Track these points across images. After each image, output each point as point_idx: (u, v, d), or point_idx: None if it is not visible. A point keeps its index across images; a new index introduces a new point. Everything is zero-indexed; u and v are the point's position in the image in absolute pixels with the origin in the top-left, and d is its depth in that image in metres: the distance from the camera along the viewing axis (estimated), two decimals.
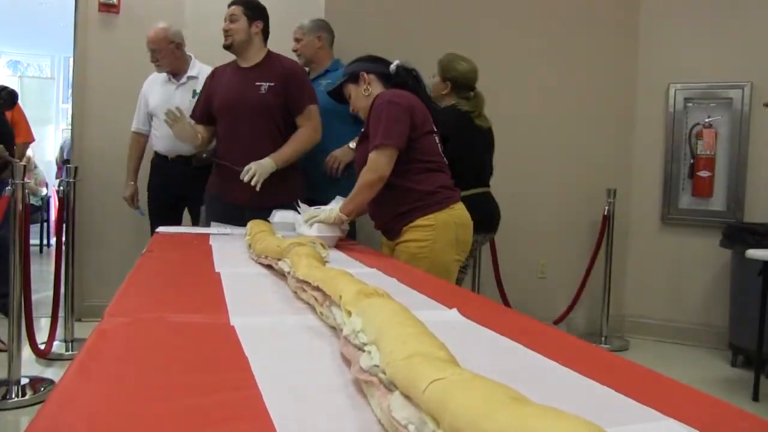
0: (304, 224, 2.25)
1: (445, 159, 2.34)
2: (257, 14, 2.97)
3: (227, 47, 2.97)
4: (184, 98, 3.44)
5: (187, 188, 3.45)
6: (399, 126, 2.16)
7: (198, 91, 3.35)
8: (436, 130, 2.32)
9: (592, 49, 4.22)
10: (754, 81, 4.04)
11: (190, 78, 3.53)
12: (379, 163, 2.15)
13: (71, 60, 4.51)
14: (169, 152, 3.51)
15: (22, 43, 9.35)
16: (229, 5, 2.98)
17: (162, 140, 3.51)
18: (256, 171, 2.72)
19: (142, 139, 3.65)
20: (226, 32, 2.93)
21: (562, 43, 4.20)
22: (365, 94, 2.34)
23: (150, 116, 3.58)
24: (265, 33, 3.01)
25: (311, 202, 2.51)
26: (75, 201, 3.55)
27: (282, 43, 3.86)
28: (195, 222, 3.51)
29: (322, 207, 2.38)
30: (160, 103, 3.45)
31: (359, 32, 3.73)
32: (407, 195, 2.21)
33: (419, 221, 2.21)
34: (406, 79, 2.37)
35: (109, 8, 3.97)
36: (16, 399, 2.70)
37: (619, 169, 4.35)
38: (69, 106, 4.65)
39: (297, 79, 2.93)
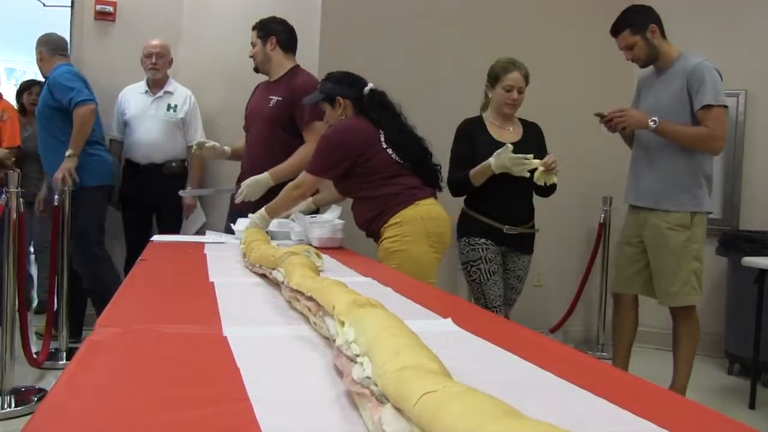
0: (302, 227, 2.47)
1: (405, 163, 2.49)
2: (269, 32, 3.10)
3: (256, 70, 3.17)
4: (159, 110, 3.70)
5: (158, 195, 3.65)
6: (330, 162, 2.45)
7: (172, 105, 3.69)
8: (385, 146, 2.48)
9: (587, 56, 4.23)
10: (748, 89, 4.05)
11: (166, 93, 3.74)
12: (302, 182, 2.50)
13: None
14: (142, 159, 3.70)
15: (19, 50, 9.35)
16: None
17: (134, 147, 3.71)
18: (245, 191, 2.81)
19: (117, 146, 3.82)
20: (251, 57, 3.14)
21: (557, 51, 4.21)
22: (341, 118, 2.55)
23: (125, 124, 3.77)
24: (285, 45, 3.11)
25: None
26: (70, 208, 3.55)
27: None
28: (163, 229, 3.66)
29: (317, 216, 2.45)
30: (136, 113, 3.70)
31: (356, 33, 3.74)
32: (376, 201, 2.46)
33: (391, 220, 2.43)
34: (371, 104, 2.53)
35: (104, 16, 3.97)
36: (8, 409, 2.68)
37: (615, 177, 4.33)
38: None
39: (302, 95, 2.94)
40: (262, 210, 2.51)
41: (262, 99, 3.09)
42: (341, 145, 2.46)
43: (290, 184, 2.53)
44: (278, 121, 3.00)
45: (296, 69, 3.11)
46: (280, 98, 3.00)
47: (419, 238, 2.40)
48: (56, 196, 3.43)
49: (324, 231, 2.45)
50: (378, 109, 2.53)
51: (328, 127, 2.57)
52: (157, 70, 3.67)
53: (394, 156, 2.49)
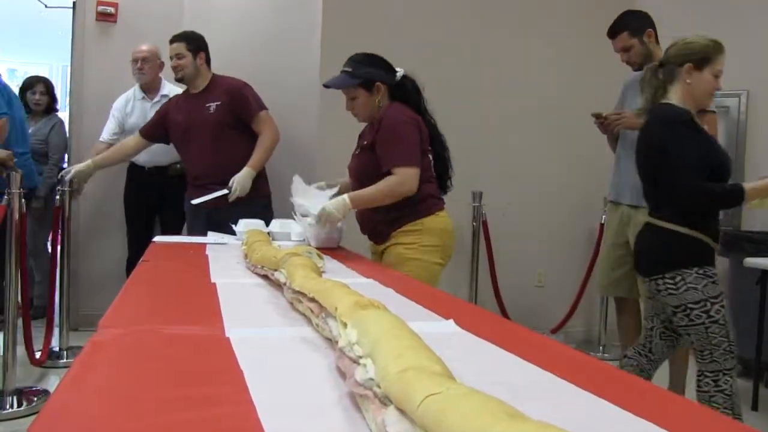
0: (306, 217, 2.32)
1: (433, 173, 2.43)
2: (199, 46, 3.33)
3: (179, 80, 3.35)
4: None
5: (162, 197, 3.75)
6: (418, 147, 2.30)
7: None
8: (429, 149, 2.41)
9: (588, 56, 4.22)
10: (750, 89, 4.05)
11: (162, 96, 3.81)
12: (410, 179, 2.25)
13: (69, 68, 4.50)
14: (146, 163, 3.78)
15: (20, 51, 9.35)
16: (171, 41, 3.31)
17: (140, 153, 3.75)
18: (238, 188, 3.08)
19: (104, 147, 3.75)
20: (175, 68, 3.30)
21: (558, 51, 4.21)
22: (379, 105, 2.35)
23: (123, 131, 3.80)
24: (208, 60, 3.38)
25: None
26: (70, 209, 3.57)
27: (281, 47, 3.87)
28: (164, 229, 3.75)
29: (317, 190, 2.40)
30: (138, 120, 3.75)
31: (357, 33, 3.75)
32: (398, 203, 2.28)
33: (407, 226, 2.32)
34: (410, 91, 2.41)
35: (106, 17, 3.98)
36: (10, 410, 2.68)
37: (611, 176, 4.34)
38: (66, 114, 4.63)
39: (239, 94, 3.28)
40: (346, 199, 2.23)
41: (195, 109, 3.28)
42: (417, 126, 2.31)
43: (392, 180, 2.24)
44: (224, 122, 3.24)
45: (216, 77, 3.37)
46: (218, 102, 3.24)
47: (435, 249, 2.32)
48: (57, 197, 3.44)
49: (321, 230, 2.33)
50: (415, 96, 2.42)
51: (384, 116, 2.31)
52: (144, 74, 3.74)
53: (432, 162, 2.42)
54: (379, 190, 2.25)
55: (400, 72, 2.40)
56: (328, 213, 2.21)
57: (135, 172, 3.82)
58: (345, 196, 2.26)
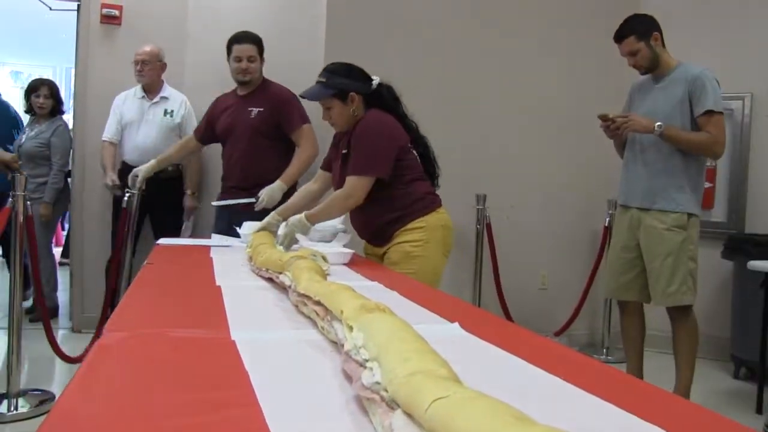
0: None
1: (422, 169, 2.45)
2: (263, 49, 3.30)
3: (244, 83, 3.28)
4: (156, 115, 3.80)
5: (153, 198, 3.64)
6: (384, 155, 2.31)
7: (168, 110, 3.82)
8: (411, 146, 2.43)
9: (592, 59, 4.22)
10: (754, 92, 4.05)
11: (162, 98, 3.84)
12: (356, 189, 2.30)
13: (73, 71, 4.50)
14: (139, 163, 3.67)
15: (25, 54, 9.39)
16: (240, 42, 3.23)
17: (131, 151, 3.79)
18: (265, 200, 3.02)
19: (112, 147, 3.87)
20: (246, 71, 3.23)
21: (562, 53, 4.21)
22: (354, 115, 2.38)
23: (121, 128, 3.85)
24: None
25: None
26: (136, 211, 3.53)
27: (283, 46, 3.87)
28: (156, 232, 3.71)
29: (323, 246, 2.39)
30: (134, 118, 3.80)
31: (361, 33, 3.76)
32: (398, 203, 2.35)
33: (411, 224, 2.35)
34: (386, 98, 2.43)
35: (110, 20, 3.99)
36: (15, 412, 2.69)
37: (619, 180, 4.33)
38: (70, 116, 4.64)
39: (284, 104, 3.25)
40: (302, 216, 2.29)
41: (239, 111, 3.26)
42: (390, 137, 2.33)
43: (339, 194, 2.33)
44: (260, 130, 3.23)
45: (267, 82, 3.36)
46: (261, 109, 3.23)
47: (438, 246, 2.37)
48: (125, 199, 3.47)
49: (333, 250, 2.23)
50: (393, 103, 2.43)
51: (358, 123, 2.34)
52: (143, 76, 3.77)
53: (418, 159, 2.45)
54: (329, 206, 2.35)
55: (375, 80, 2.42)
56: (287, 233, 2.25)
57: (127, 172, 3.65)
58: (302, 214, 2.30)
